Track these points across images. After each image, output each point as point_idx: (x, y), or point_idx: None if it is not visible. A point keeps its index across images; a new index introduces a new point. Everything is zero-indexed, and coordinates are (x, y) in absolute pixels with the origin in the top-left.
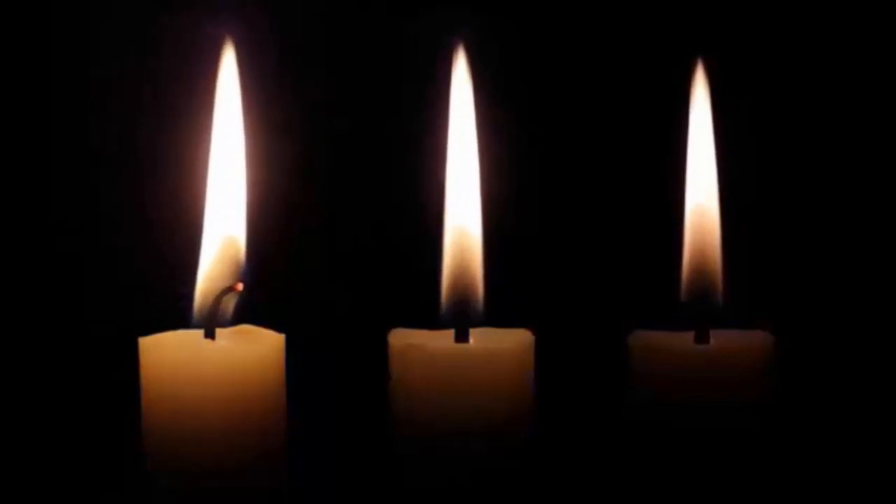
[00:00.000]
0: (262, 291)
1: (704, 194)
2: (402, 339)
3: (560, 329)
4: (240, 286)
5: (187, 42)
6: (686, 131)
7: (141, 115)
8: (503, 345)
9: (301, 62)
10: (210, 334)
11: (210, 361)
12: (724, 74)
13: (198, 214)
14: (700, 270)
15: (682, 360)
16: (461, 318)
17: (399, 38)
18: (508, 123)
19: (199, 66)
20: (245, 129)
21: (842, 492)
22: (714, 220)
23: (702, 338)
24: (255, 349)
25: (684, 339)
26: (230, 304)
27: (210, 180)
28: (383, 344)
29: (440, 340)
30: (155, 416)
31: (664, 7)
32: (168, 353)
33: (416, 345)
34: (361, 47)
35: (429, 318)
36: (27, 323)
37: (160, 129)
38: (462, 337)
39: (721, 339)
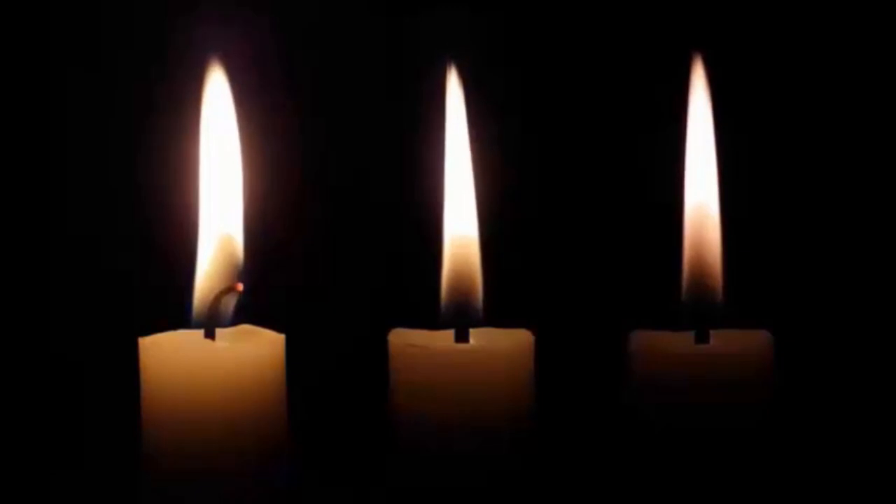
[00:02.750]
0: (262, 291)
1: (704, 194)
2: (402, 339)
3: (560, 329)
4: (240, 286)
5: (185, 44)
6: (685, 131)
7: (142, 115)
8: (503, 345)
9: (300, 62)
10: (210, 334)
11: (210, 361)
12: (723, 74)
13: (197, 214)
14: (700, 271)
15: (682, 360)
16: (461, 318)
17: (399, 39)
18: (510, 124)
19: (196, 67)
20: (241, 130)
21: (842, 492)
22: (714, 220)
23: (702, 338)
24: (255, 349)
25: (684, 339)
26: (230, 304)
27: (202, 180)
28: (383, 344)
29: (440, 340)
30: (155, 416)
31: (663, 7)
32: (168, 353)
33: (416, 345)
34: (361, 47)
35: (429, 318)
36: (27, 323)
37: (160, 129)
38: (462, 337)
39: (721, 339)
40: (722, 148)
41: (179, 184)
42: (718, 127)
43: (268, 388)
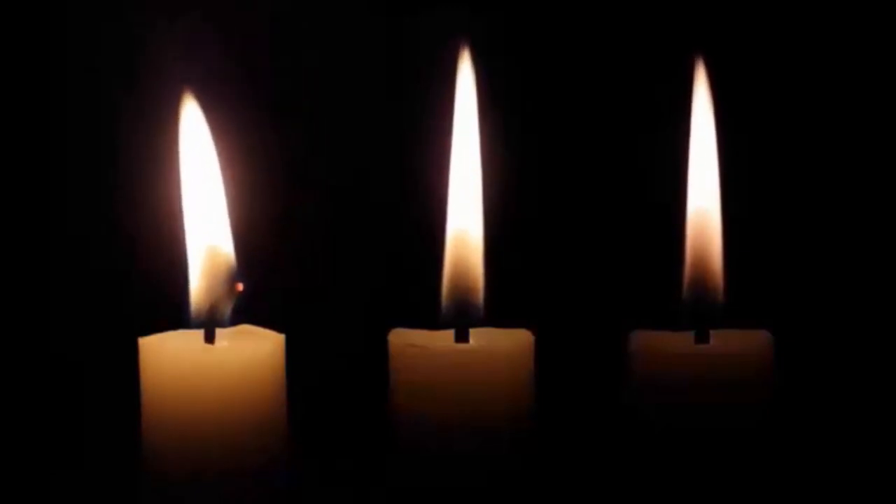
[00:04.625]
0: (262, 291)
1: (705, 195)
2: (402, 339)
3: (560, 329)
4: (240, 286)
5: (182, 44)
6: (688, 133)
7: (141, 115)
8: (503, 345)
9: (300, 61)
10: (210, 334)
11: (210, 362)
12: (723, 74)
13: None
14: (701, 272)
15: (682, 360)
16: (461, 318)
17: (399, 38)
18: (510, 124)
19: (193, 68)
20: (241, 131)
21: (842, 492)
22: (715, 221)
23: (702, 338)
24: (255, 349)
25: (684, 339)
26: (229, 304)
27: (185, 186)
28: (383, 344)
29: (440, 340)
30: (155, 416)
31: (664, 7)
32: (168, 353)
33: (416, 345)
34: (361, 47)
35: (429, 318)
36: (27, 323)
37: (160, 128)
38: (462, 337)
39: (721, 339)
40: (723, 148)
41: (179, 184)
42: (720, 127)
43: (268, 388)
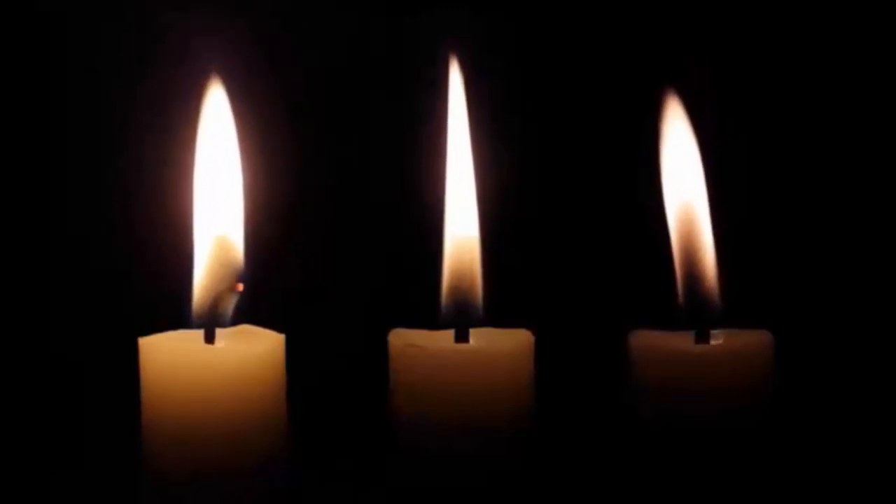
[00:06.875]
0: (262, 291)
1: (689, 197)
2: (402, 339)
3: (560, 329)
4: (240, 286)
5: (183, 44)
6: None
7: (142, 115)
8: (503, 345)
9: (300, 61)
10: (210, 334)
11: (210, 361)
12: (724, 75)
13: (194, 216)
14: (695, 277)
15: (682, 360)
16: (461, 318)
17: (399, 38)
18: (510, 124)
19: (195, 68)
20: (241, 131)
21: (842, 492)
22: (705, 223)
23: (702, 338)
24: (255, 349)
25: (684, 339)
26: (230, 304)
27: (198, 183)
28: (383, 344)
29: (440, 340)
30: (155, 416)
31: (663, 7)
32: (168, 353)
33: (416, 345)
34: (361, 47)
35: (429, 318)
36: (27, 323)
37: (160, 128)
38: (462, 337)
39: (721, 339)
40: (720, 148)
41: (180, 184)
42: (716, 127)
43: (268, 388)
